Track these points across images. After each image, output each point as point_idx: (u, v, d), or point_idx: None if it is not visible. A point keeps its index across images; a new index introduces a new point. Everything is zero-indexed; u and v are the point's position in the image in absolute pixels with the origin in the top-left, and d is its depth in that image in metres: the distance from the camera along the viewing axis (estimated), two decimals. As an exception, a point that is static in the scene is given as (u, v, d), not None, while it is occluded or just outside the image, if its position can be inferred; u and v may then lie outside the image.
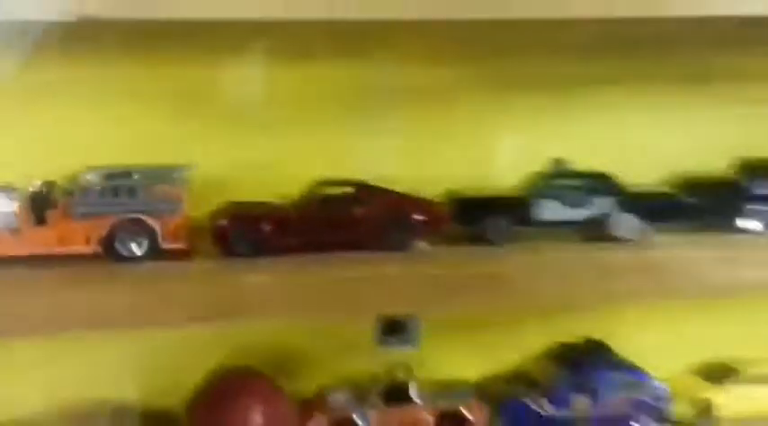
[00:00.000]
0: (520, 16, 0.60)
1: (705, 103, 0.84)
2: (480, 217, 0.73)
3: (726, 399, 0.84)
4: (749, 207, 0.79)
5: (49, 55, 0.64)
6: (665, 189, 0.80)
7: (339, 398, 0.78)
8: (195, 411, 0.72)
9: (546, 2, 0.61)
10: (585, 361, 0.83)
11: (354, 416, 0.76)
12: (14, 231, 0.66)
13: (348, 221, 0.70)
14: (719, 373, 0.87)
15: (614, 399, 0.81)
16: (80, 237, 0.67)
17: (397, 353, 0.82)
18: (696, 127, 0.84)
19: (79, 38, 0.60)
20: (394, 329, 0.83)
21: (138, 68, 0.70)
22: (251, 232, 0.69)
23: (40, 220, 0.67)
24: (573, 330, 0.84)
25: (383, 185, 0.72)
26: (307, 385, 0.78)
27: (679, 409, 0.84)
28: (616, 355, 0.83)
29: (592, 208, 0.74)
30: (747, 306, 0.84)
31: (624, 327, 0.83)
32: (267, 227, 0.69)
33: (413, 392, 0.79)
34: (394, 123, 0.76)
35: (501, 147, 0.80)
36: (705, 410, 0.84)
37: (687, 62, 0.82)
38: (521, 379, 0.84)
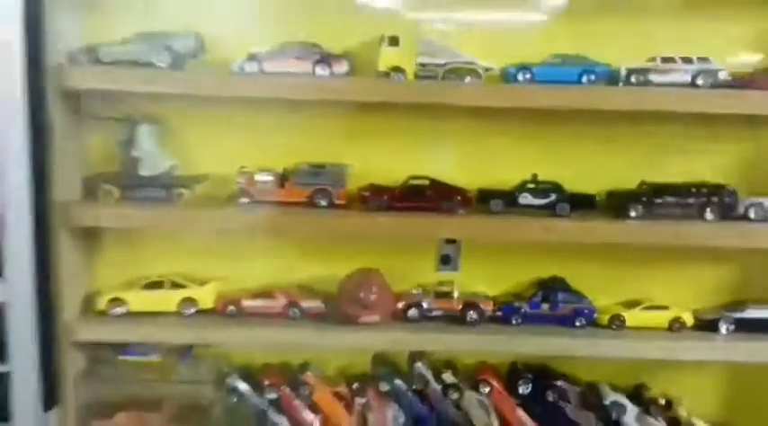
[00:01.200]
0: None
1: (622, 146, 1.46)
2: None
3: (631, 316, 1.44)
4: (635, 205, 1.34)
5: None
6: (587, 193, 1.36)
7: (415, 293, 1.45)
8: (345, 286, 1.40)
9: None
10: (551, 287, 1.46)
11: (422, 302, 1.41)
12: (271, 191, 1.39)
13: (424, 197, 1.38)
14: (632, 303, 1.47)
15: (565, 307, 1.43)
16: (299, 195, 1.40)
17: (447, 274, 1.49)
18: (617, 160, 1.48)
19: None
20: (444, 261, 1.50)
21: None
22: (377, 199, 1.39)
23: (282, 186, 1.40)
24: (548, 270, 1.48)
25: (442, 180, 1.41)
26: (399, 286, 1.41)
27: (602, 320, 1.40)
28: (569, 286, 1.42)
29: (549, 199, 1.40)
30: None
31: (576, 269, 1.47)
32: (385, 197, 1.39)
33: (454, 292, 1.44)
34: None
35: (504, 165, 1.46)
36: (618, 319, 1.44)
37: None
38: (516, 294, 1.47)
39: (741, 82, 1.29)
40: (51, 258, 1.28)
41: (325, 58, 1.29)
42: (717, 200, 1.32)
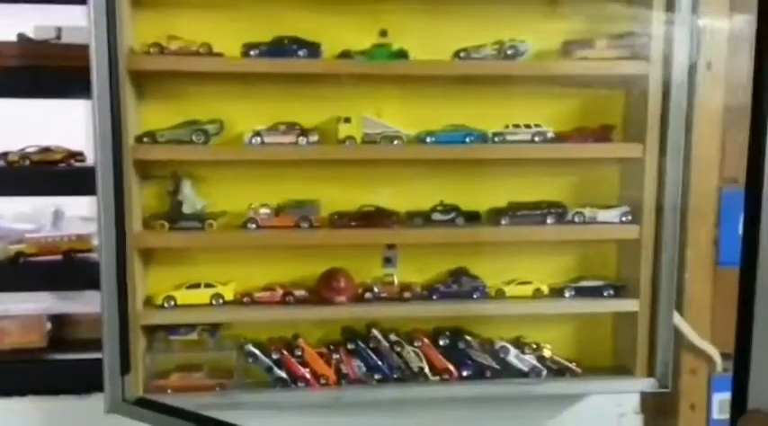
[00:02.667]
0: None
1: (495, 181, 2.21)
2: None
3: (509, 289, 2.18)
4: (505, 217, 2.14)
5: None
6: (475, 211, 1.99)
7: (369, 283, 2.14)
8: (323, 279, 2.08)
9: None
10: (458, 274, 2.16)
11: (374, 288, 2.10)
12: (270, 219, 2.08)
13: (372, 218, 2.10)
14: (509, 281, 2.21)
15: (467, 287, 2.15)
16: (289, 221, 2.09)
17: (390, 270, 2.19)
18: (493, 190, 2.23)
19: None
20: (387, 261, 2.19)
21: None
22: (341, 221, 2.10)
23: (277, 215, 2.09)
24: (455, 263, 2.20)
25: (383, 207, 2.13)
26: (358, 279, 2.05)
27: (491, 294, 2.16)
28: (470, 272, 2.07)
29: (451, 216, 2.13)
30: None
31: (473, 261, 2.19)
32: (346, 219, 2.10)
33: (395, 281, 2.13)
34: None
35: (422, 196, 2.21)
36: (501, 292, 2.18)
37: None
38: (435, 280, 2.18)
39: (561, 138, 2.00)
40: (127, 270, 1.92)
41: (304, 132, 1.99)
42: (553, 211, 2.09)
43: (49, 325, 2.19)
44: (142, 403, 1.88)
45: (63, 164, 2.10)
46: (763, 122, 0.74)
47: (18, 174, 2.04)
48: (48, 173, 2.06)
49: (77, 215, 2.39)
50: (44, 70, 2.02)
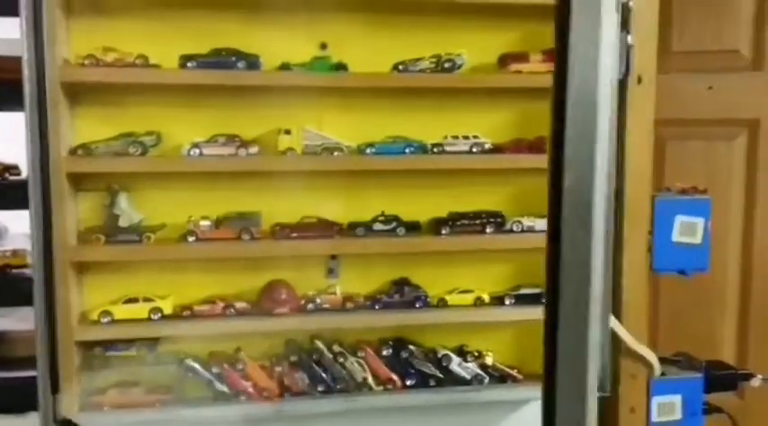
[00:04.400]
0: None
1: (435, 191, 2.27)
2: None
3: (450, 298, 2.22)
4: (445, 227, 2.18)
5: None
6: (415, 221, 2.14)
7: (311, 294, 2.15)
8: (264, 291, 2.08)
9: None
10: (400, 283, 2.21)
11: (316, 299, 2.11)
12: (210, 232, 2.07)
13: (313, 229, 2.12)
14: (451, 290, 2.25)
15: (409, 296, 2.18)
16: (231, 233, 2.08)
17: (333, 280, 2.20)
18: (433, 200, 2.28)
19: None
20: (330, 271, 2.21)
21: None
22: (283, 232, 2.10)
23: (217, 227, 2.08)
24: (397, 273, 2.23)
25: (324, 218, 2.14)
26: (301, 290, 2.10)
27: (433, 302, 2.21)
28: (411, 282, 2.14)
29: (392, 226, 2.16)
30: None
31: (414, 271, 2.22)
32: (288, 230, 2.10)
33: (337, 291, 2.15)
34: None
35: (363, 207, 2.23)
36: (443, 300, 2.21)
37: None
38: (378, 290, 2.21)
39: (498, 149, 2.09)
40: (58, 285, 1.87)
41: (244, 144, 2.00)
42: (492, 221, 2.13)
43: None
44: (69, 424, 1.83)
45: (-3, 178, 2.05)
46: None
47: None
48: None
49: (22, 231, 2.31)
50: (-25, 83, 1.96)
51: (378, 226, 2.07)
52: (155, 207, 2.03)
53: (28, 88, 1.74)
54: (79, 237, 1.96)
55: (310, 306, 2.06)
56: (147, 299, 1.99)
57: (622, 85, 2.13)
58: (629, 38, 2.17)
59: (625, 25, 2.14)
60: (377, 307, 2.08)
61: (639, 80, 2.33)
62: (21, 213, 2.18)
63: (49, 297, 1.80)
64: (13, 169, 2.10)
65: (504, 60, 2.11)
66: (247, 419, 2.04)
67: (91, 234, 1.94)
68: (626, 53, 2.14)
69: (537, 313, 2.09)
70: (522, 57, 2.09)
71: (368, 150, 1.93)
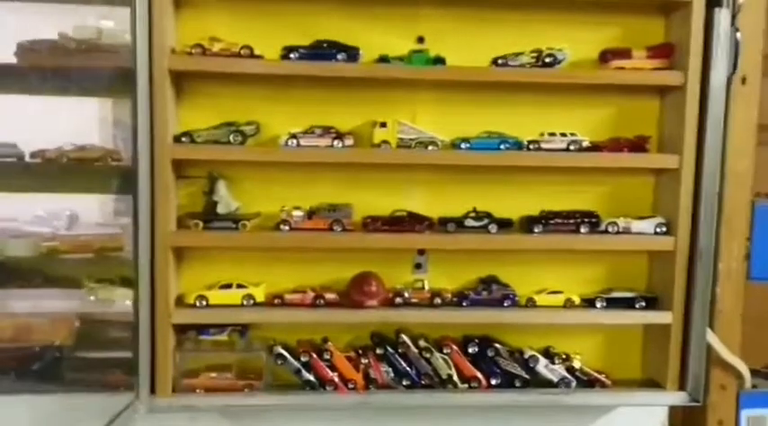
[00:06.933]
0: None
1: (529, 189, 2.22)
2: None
3: (539, 298, 2.14)
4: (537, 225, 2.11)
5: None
6: (508, 218, 2.00)
7: (399, 288, 2.13)
8: (354, 282, 2.07)
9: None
10: (488, 281, 2.13)
11: (404, 293, 2.07)
12: (303, 222, 2.08)
13: (404, 223, 2.06)
14: (540, 291, 2.20)
15: (497, 294, 2.12)
16: (322, 224, 2.08)
17: (420, 275, 2.18)
18: (526, 198, 2.22)
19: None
20: (418, 266, 2.19)
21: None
22: (374, 225, 2.09)
23: (310, 218, 2.10)
24: (486, 270, 2.20)
25: (415, 212, 2.12)
26: (388, 284, 2.03)
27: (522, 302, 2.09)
28: (500, 280, 2.06)
29: (484, 222, 2.12)
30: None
31: (504, 269, 2.16)
32: (379, 223, 2.07)
33: (425, 286, 2.13)
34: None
35: (455, 203, 2.20)
36: (532, 300, 2.16)
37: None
38: (466, 287, 2.17)
39: (596, 147, 1.97)
40: (158, 269, 1.92)
41: (339, 135, 2.01)
42: (587, 221, 2.07)
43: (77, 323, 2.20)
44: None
45: (100, 163, 2.12)
46: None
47: (57, 171, 2.06)
48: (86, 172, 2.08)
49: (92, 220, 2.37)
50: (80, 70, 2.04)
51: (469, 222, 2.04)
52: (251, 196, 2.05)
53: (139, 76, 1.80)
54: (179, 223, 2.00)
55: (398, 299, 2.05)
56: (240, 286, 2.02)
57: (728, 84, 2.06)
58: (738, 35, 2.09)
59: (733, 21, 2.07)
60: (464, 304, 2.05)
61: (744, 81, 2.23)
62: (89, 202, 2.25)
63: (151, 281, 1.86)
64: (114, 154, 2.17)
65: (605, 56, 2.05)
66: (332, 408, 2.05)
67: (190, 219, 1.98)
68: (734, 50, 2.06)
69: (629, 317, 2.05)
70: (624, 53, 2.03)
71: (462, 145, 1.91)
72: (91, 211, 2.30)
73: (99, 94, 2.15)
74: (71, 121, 2.18)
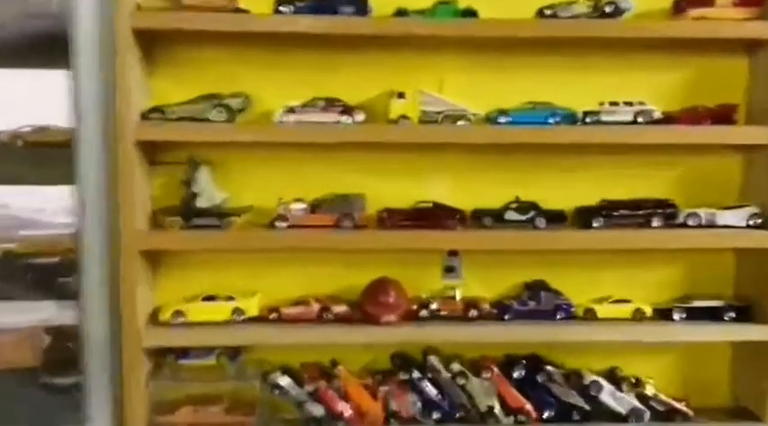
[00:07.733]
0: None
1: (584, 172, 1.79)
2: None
3: (601, 309, 1.72)
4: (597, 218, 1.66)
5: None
6: (558, 209, 1.66)
7: (425, 298, 1.73)
8: (368, 291, 1.69)
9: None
10: (536, 288, 1.76)
11: (431, 304, 1.67)
12: (304, 217, 1.68)
13: (429, 217, 1.63)
14: (601, 299, 1.78)
15: (547, 304, 1.73)
16: (328, 220, 1.66)
17: (452, 282, 1.79)
18: (581, 183, 1.78)
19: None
20: (449, 270, 1.80)
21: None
22: (392, 220, 1.69)
23: (313, 212, 1.71)
24: (532, 274, 1.79)
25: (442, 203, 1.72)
26: (412, 292, 1.68)
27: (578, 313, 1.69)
28: (550, 286, 1.70)
29: (529, 215, 1.72)
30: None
31: (554, 272, 1.77)
32: (398, 218, 1.65)
33: (457, 295, 1.73)
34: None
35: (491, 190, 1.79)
36: (591, 311, 1.75)
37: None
38: (507, 295, 1.77)
39: (670, 119, 1.64)
40: (124, 278, 1.55)
41: (347, 109, 1.63)
42: (660, 212, 1.66)
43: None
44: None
45: (64, 148, 1.74)
46: None
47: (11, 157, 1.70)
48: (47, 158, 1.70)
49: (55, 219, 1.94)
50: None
51: (510, 215, 1.66)
52: (240, 184, 1.69)
53: (80, 36, 1.44)
54: (152, 221, 1.63)
55: (423, 312, 1.68)
56: (228, 298, 1.65)
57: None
58: None
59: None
60: (506, 317, 1.67)
61: None
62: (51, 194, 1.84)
63: (115, 293, 1.49)
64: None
65: (680, 4, 1.65)
66: (345, 449, 1.65)
67: (166, 216, 1.61)
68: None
69: (716, 332, 1.61)
70: (704, 0, 1.61)
71: (500, 119, 1.64)
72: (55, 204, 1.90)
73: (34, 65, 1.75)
74: (30, 98, 1.80)
